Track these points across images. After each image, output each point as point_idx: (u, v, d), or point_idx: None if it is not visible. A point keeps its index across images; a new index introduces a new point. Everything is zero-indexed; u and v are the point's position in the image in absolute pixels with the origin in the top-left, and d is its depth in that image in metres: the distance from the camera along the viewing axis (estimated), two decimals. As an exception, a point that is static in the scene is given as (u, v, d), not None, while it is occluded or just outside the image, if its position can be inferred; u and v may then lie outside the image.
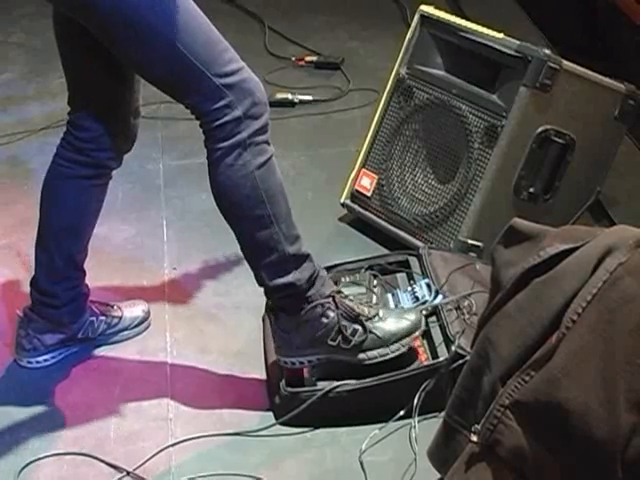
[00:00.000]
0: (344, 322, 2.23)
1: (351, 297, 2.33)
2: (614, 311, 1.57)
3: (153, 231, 3.02)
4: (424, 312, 2.37)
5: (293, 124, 3.58)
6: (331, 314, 2.22)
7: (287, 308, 2.23)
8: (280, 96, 3.66)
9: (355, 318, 2.24)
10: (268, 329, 2.37)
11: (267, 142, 2.14)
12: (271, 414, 2.30)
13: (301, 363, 2.26)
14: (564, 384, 1.55)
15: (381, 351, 2.25)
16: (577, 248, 1.64)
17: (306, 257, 2.21)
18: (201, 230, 3.00)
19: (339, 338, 2.23)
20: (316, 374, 2.28)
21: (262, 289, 2.24)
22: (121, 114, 2.30)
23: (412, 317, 2.30)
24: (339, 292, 2.28)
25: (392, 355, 2.26)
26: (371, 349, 2.25)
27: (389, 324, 2.27)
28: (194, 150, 3.37)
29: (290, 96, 3.69)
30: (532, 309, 1.63)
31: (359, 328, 2.24)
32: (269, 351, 2.39)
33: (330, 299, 2.23)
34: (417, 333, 2.29)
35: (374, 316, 2.27)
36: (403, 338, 2.26)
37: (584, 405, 1.54)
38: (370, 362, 2.25)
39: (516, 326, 1.64)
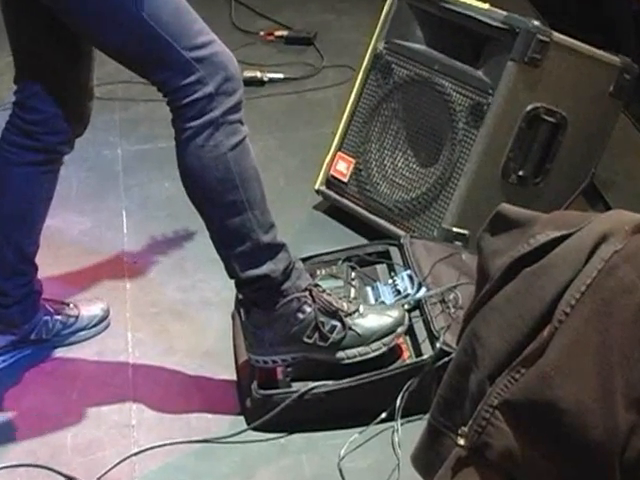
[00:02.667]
0: (322, 318, 2.23)
1: (328, 291, 2.33)
2: (610, 302, 1.57)
3: (112, 222, 3.02)
4: (406, 306, 2.38)
5: (262, 104, 3.58)
6: (308, 309, 2.22)
7: (260, 302, 2.22)
8: (248, 74, 3.64)
9: (334, 314, 2.24)
10: (238, 327, 2.37)
11: (241, 121, 2.13)
12: (242, 419, 2.30)
13: (274, 362, 2.26)
14: (557, 381, 1.56)
15: (361, 350, 2.25)
16: (570, 235, 1.64)
17: (281, 247, 2.20)
18: (164, 220, 2.99)
19: (316, 335, 2.23)
20: (291, 374, 2.29)
21: (233, 282, 2.23)
22: (74, 94, 2.28)
23: (395, 314, 2.30)
24: (316, 285, 2.28)
25: (373, 354, 2.26)
26: (350, 347, 2.25)
27: (370, 321, 2.27)
28: (155, 133, 3.36)
29: (259, 74, 3.69)
30: (522, 301, 1.63)
31: (338, 324, 2.24)
32: (239, 350, 2.39)
33: (307, 293, 2.23)
34: (400, 331, 2.30)
35: (354, 312, 2.27)
36: (385, 336, 2.27)
37: (579, 403, 1.55)
38: (349, 361, 2.26)
39: (505, 320, 1.64)
